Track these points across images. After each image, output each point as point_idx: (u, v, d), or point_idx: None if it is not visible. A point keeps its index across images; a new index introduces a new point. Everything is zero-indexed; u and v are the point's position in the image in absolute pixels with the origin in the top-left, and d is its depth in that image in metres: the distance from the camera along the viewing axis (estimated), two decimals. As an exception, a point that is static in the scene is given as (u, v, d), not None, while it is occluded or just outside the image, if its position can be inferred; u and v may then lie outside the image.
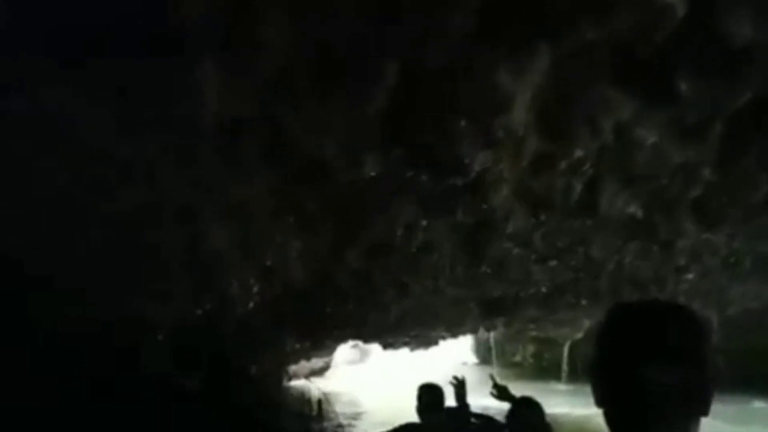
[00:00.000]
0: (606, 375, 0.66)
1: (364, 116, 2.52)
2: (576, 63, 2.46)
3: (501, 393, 2.42)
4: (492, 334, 10.37)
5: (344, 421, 7.39)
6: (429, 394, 2.40)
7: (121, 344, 3.54)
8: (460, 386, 2.48)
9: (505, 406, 2.31)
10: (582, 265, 4.68)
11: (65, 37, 1.97)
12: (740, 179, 3.40)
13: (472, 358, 13.39)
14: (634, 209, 3.68)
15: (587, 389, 0.70)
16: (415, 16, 2.21)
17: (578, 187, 3.43)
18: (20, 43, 1.98)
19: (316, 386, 9.26)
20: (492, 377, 2.55)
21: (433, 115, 2.57)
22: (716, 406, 0.63)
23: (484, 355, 12.72)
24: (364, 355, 14.03)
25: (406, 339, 7.82)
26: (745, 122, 2.90)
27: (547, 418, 2.19)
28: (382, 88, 2.42)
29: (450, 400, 2.46)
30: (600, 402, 0.66)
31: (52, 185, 2.51)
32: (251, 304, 4.17)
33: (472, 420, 2.50)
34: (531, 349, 11.59)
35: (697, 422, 0.63)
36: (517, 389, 2.45)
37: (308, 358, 9.35)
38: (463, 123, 2.58)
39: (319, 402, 7.64)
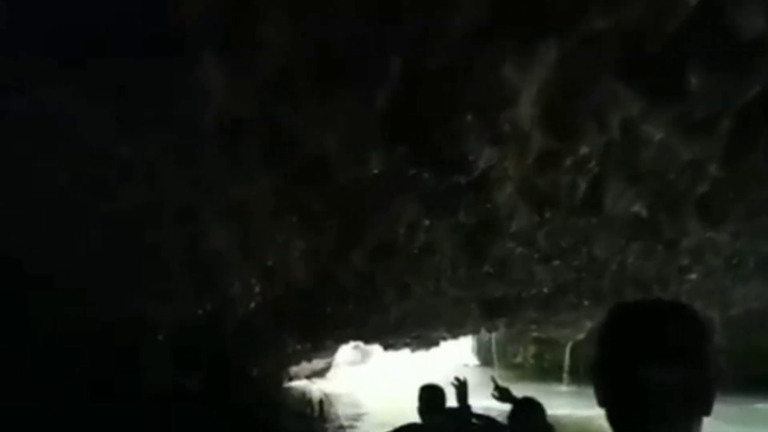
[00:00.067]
0: (607, 375, 0.65)
1: (366, 114, 2.50)
2: (583, 56, 2.42)
3: (503, 394, 2.41)
4: (493, 336, 10.35)
5: (345, 422, 7.38)
6: (430, 395, 2.39)
7: (121, 344, 3.54)
8: (461, 387, 2.46)
9: (507, 407, 2.30)
10: (585, 265, 4.66)
11: (65, 37, 1.97)
12: (748, 175, 3.34)
13: (473, 360, 13.36)
14: (639, 207, 3.64)
15: (589, 391, 0.70)
16: (415, 15, 2.21)
17: (583, 185, 3.39)
18: (20, 43, 1.98)
19: (317, 387, 9.25)
20: (493, 379, 2.54)
21: (438, 111, 2.54)
22: (718, 407, 0.63)
23: (485, 357, 12.70)
24: (365, 356, 14.02)
25: (407, 340, 7.81)
26: (753, 117, 2.84)
27: (549, 419, 2.18)
28: (384, 85, 2.41)
29: (451, 401, 2.45)
30: (602, 402, 0.66)
31: (52, 185, 2.51)
32: (252, 305, 4.16)
33: (474, 420, 2.49)
34: (532, 350, 11.56)
35: (699, 422, 0.63)
36: (519, 391, 2.44)
37: (309, 359, 9.34)
38: (469, 118, 2.54)
39: (321, 402, 7.63)
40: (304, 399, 8.44)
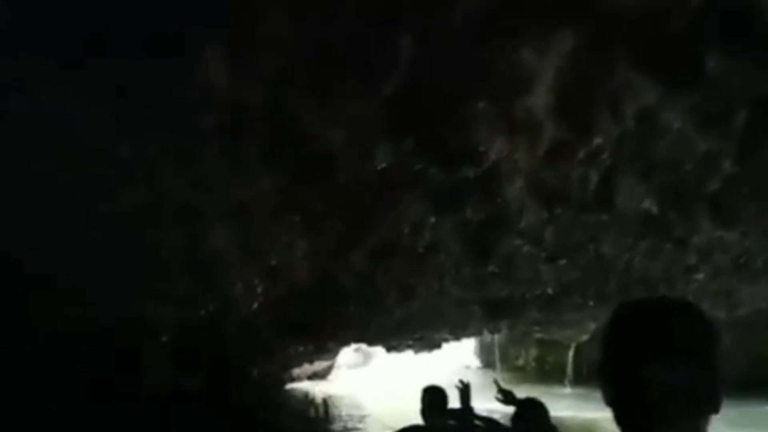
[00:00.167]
0: (612, 374, 0.64)
1: (372, 107, 2.46)
2: (601, 42, 2.33)
3: (506, 397, 2.40)
4: (496, 338, 10.30)
5: (348, 424, 7.36)
6: (432, 397, 2.38)
7: (121, 344, 3.54)
8: (464, 389, 2.45)
9: (510, 409, 2.28)
10: (592, 263, 4.60)
11: (65, 37, 1.97)
12: (762, 170, 3.25)
13: (475, 362, 13.32)
14: (650, 204, 3.53)
15: (592, 393, 0.68)
16: (416, 15, 2.19)
17: (595, 178, 3.29)
18: (20, 43, 1.98)
19: (319, 389, 9.22)
20: (496, 382, 2.52)
21: (448, 101, 2.46)
22: (723, 409, 0.61)
23: (487, 359, 12.66)
24: (366, 358, 13.99)
25: (410, 342, 7.78)
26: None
27: (552, 422, 2.16)
28: (390, 77, 2.34)
29: (453, 403, 2.43)
30: (608, 402, 0.64)
31: (52, 185, 2.51)
32: (255, 305, 4.15)
33: (476, 422, 2.47)
34: (534, 352, 11.51)
35: (706, 420, 0.61)
36: (521, 393, 2.42)
37: (311, 361, 9.33)
38: (481, 105, 2.46)
39: (325, 403, 7.62)
40: (306, 400, 8.43)
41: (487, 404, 2.66)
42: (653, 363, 0.60)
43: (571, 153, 3.06)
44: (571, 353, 9.43)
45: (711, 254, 4.53)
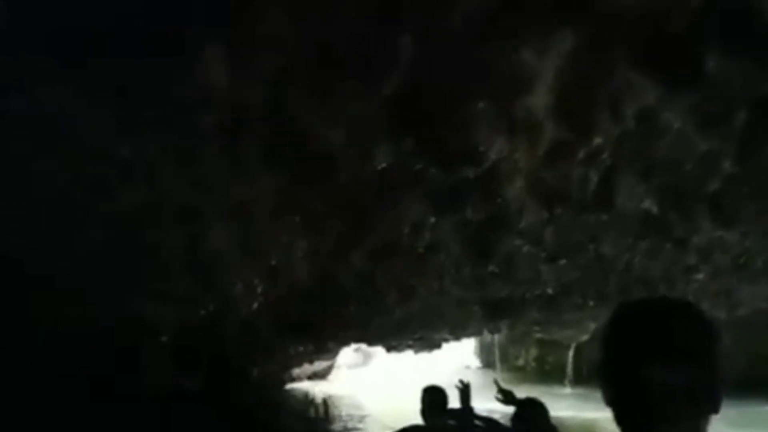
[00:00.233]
0: (612, 374, 0.64)
1: (372, 108, 2.47)
2: (601, 42, 2.34)
3: (506, 397, 2.40)
4: (495, 338, 10.30)
5: (348, 424, 7.37)
6: (432, 397, 2.38)
7: (121, 344, 3.54)
8: (464, 389, 2.45)
9: (510, 409, 2.28)
10: (592, 263, 4.60)
11: (65, 37, 1.97)
12: (762, 170, 3.26)
13: (475, 362, 13.33)
14: (650, 204, 3.53)
15: (592, 393, 0.68)
16: (416, 15, 2.19)
17: (595, 178, 3.30)
18: (20, 43, 1.98)
19: (319, 389, 9.22)
20: (496, 382, 2.52)
21: (448, 100, 2.47)
22: (722, 409, 0.61)
23: (487, 359, 12.66)
24: (366, 358, 14.00)
25: (410, 342, 7.79)
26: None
27: (553, 422, 2.16)
28: (390, 77, 2.35)
29: (453, 403, 2.43)
30: (608, 402, 0.65)
31: (52, 185, 2.51)
32: (255, 305, 4.15)
33: (476, 422, 2.47)
34: (534, 352, 11.51)
35: (706, 420, 0.61)
36: (521, 393, 2.42)
37: (311, 361, 9.33)
38: (481, 105, 2.47)
39: (325, 403, 7.62)
40: (306, 400, 8.44)
41: (487, 404, 2.66)
42: (653, 363, 0.60)
43: (571, 153, 3.06)
44: (571, 353, 9.43)
45: (711, 254, 4.53)
